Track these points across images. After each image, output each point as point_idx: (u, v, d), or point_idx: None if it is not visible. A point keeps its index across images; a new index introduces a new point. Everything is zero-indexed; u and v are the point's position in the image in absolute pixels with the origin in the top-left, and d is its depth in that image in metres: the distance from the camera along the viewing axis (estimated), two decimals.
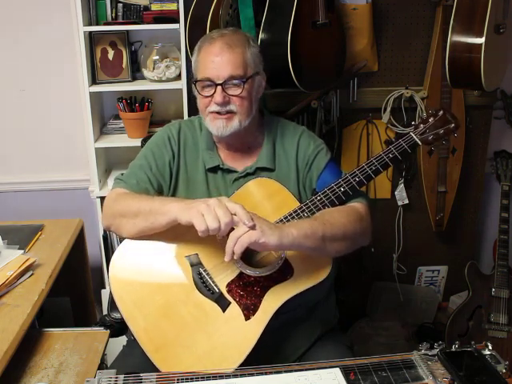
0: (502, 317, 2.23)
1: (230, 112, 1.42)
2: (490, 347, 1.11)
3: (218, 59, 1.39)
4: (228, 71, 1.39)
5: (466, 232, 2.59)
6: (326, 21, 1.85)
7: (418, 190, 2.46)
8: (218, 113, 1.42)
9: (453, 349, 1.11)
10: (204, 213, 1.18)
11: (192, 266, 1.32)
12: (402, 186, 2.43)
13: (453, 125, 1.48)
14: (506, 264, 2.27)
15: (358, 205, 1.42)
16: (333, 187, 1.40)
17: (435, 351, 1.11)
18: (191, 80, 1.46)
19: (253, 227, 1.18)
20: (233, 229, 1.20)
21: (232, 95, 1.40)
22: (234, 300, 1.28)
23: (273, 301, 1.28)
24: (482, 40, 1.81)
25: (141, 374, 1.07)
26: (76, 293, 2.06)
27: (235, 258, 1.20)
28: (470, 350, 1.11)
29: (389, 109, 2.30)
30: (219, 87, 1.39)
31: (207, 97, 1.42)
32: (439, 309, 2.65)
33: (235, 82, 1.40)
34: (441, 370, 1.06)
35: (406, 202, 2.45)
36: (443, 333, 2.31)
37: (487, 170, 2.51)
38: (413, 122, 1.50)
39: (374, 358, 1.11)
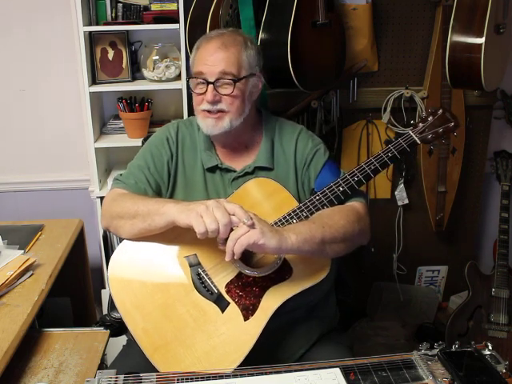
0: (502, 317, 2.23)
1: (221, 111, 1.42)
2: (490, 347, 1.11)
3: (212, 57, 1.40)
4: (219, 69, 1.39)
5: (466, 232, 2.59)
6: (326, 21, 1.85)
7: (417, 190, 2.46)
8: (209, 111, 1.42)
9: (453, 349, 1.11)
10: (203, 214, 1.18)
11: (191, 266, 1.32)
12: (402, 186, 2.43)
13: (452, 123, 1.47)
14: (506, 264, 2.27)
15: (356, 204, 1.42)
16: (332, 187, 1.40)
17: (435, 351, 1.11)
18: (187, 77, 1.49)
19: (252, 225, 1.18)
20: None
21: (223, 94, 1.40)
22: (233, 300, 1.28)
23: (272, 301, 1.28)
24: (482, 40, 1.82)
25: (141, 374, 1.06)
26: (76, 293, 2.06)
27: (235, 258, 1.20)
28: (470, 350, 1.11)
29: (389, 109, 2.30)
30: (211, 85, 1.39)
31: (200, 94, 1.42)
32: (439, 309, 2.65)
33: (227, 80, 1.40)
34: (441, 369, 1.06)
35: (406, 202, 2.45)
36: (443, 333, 2.31)
37: (487, 169, 2.51)
38: (412, 121, 1.49)
39: (373, 358, 1.11)
